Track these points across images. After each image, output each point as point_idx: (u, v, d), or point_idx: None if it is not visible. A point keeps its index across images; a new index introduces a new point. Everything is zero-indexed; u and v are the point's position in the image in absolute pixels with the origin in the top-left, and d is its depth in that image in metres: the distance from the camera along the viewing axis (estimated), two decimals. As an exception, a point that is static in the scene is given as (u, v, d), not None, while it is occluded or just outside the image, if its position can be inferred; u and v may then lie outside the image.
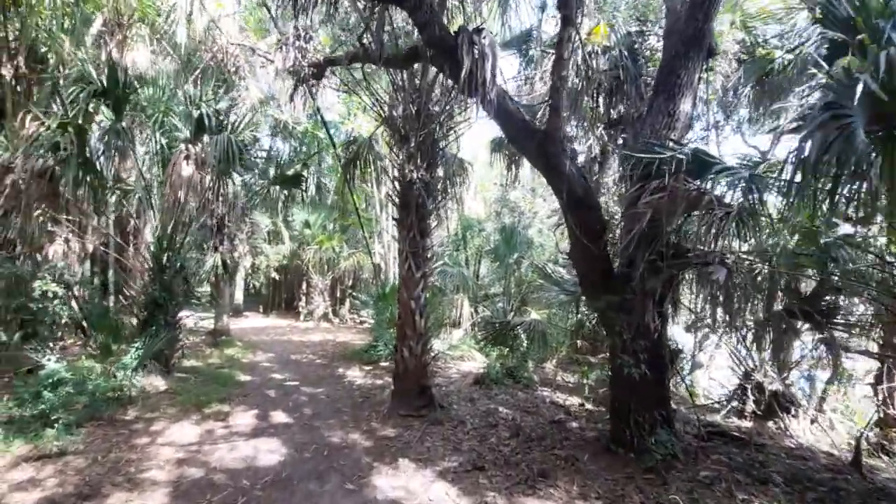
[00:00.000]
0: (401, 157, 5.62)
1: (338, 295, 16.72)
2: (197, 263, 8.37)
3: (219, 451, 4.36)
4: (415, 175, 5.43)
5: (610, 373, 4.79)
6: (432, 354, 5.95)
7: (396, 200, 5.76)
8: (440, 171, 6.12)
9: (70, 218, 7.49)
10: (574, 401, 6.16)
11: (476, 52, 3.31)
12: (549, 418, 5.33)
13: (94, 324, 7.00)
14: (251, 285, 23.32)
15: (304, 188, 7.62)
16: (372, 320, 12.24)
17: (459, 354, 8.97)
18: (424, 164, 5.58)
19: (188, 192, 5.07)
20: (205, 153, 5.11)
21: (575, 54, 4.04)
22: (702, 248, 3.59)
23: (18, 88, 8.00)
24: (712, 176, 3.37)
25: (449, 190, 6.56)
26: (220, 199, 10.01)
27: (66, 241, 7.54)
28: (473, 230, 13.29)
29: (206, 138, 5.35)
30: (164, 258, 6.91)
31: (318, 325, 14.63)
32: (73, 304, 8.09)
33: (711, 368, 8.09)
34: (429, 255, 5.75)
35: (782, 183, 3.22)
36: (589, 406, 5.87)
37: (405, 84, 5.67)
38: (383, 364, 8.48)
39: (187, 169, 5.05)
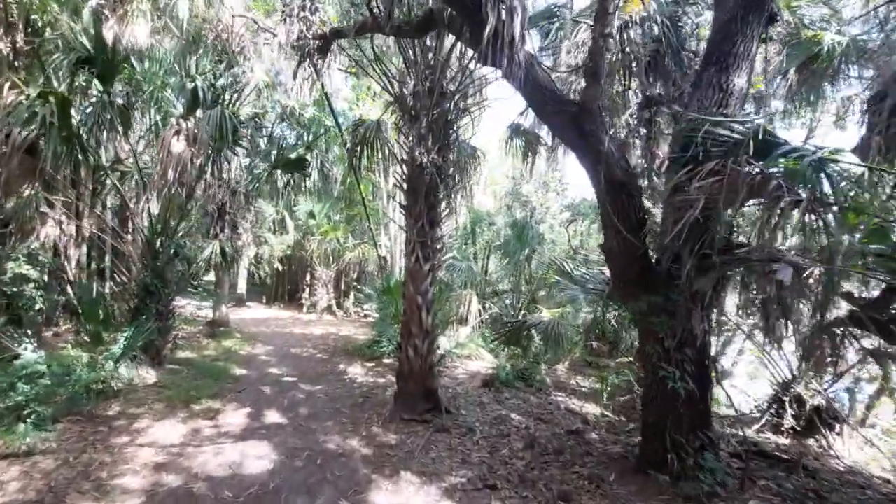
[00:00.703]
0: (411, 139, 5.15)
1: (342, 287, 16.35)
2: (196, 250, 7.98)
3: (203, 454, 3.96)
4: (425, 158, 4.97)
5: (637, 383, 4.32)
6: (439, 354, 5.50)
7: (404, 186, 5.31)
8: (452, 156, 5.65)
9: (65, 199, 7.13)
10: (592, 409, 5.70)
11: (502, 8, 2.84)
12: (566, 428, 4.87)
13: (85, 310, 6.63)
14: (256, 275, 23.05)
15: (307, 173, 7.18)
16: (376, 314, 11.85)
17: (467, 353, 8.54)
18: (436, 147, 5.12)
19: (180, 171, 4.65)
20: (197, 128, 4.67)
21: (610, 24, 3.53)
22: (750, 243, 3.12)
23: (17, 64, 7.63)
24: (773, 160, 2.89)
25: (460, 178, 6.10)
26: (220, 182, 9.64)
27: (60, 223, 7.18)
28: (483, 223, 12.80)
29: (199, 113, 4.92)
30: (158, 243, 6.54)
31: (322, 317, 14.26)
32: (69, 289, 7.78)
33: (733, 377, 7.60)
34: (438, 247, 5.30)
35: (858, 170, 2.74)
36: (609, 415, 5.41)
37: (418, 58, 5.19)
38: (387, 361, 8.07)
39: (178, 145, 4.61)
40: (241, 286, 17.21)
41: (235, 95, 5.37)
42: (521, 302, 11.16)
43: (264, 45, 9.23)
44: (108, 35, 7.06)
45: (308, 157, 6.93)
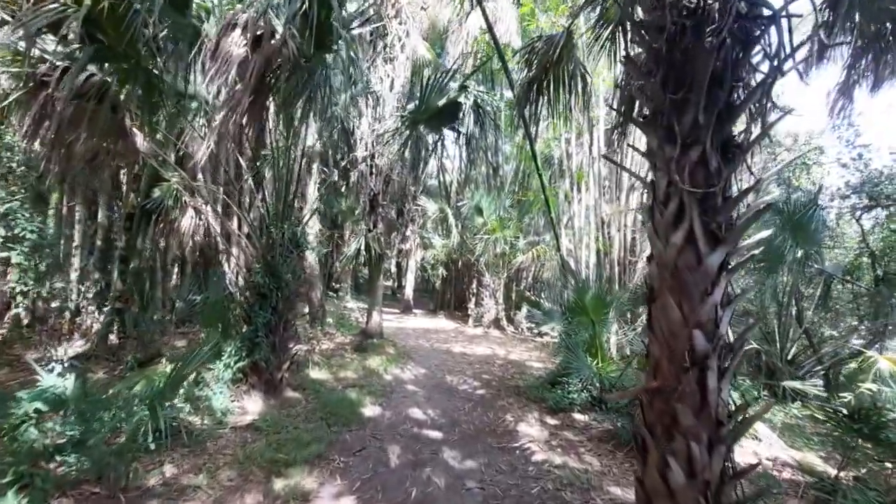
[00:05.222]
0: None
1: (513, 297, 13.87)
2: (325, 244, 6.55)
3: None
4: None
5: None
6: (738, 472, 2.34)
7: (647, 79, 2.38)
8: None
9: (200, 184, 6.32)
10: None
11: None
12: None
13: (203, 315, 5.53)
14: (428, 281, 22.43)
15: (460, 129, 4.82)
16: (556, 336, 8.94)
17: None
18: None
19: (243, 89, 2.70)
20: (263, 19, 2.65)
21: None
22: None
23: None
24: None
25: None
26: (370, 167, 8.06)
27: (197, 212, 6.41)
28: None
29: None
30: (275, 232, 5.00)
31: (488, 332, 11.98)
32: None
33: None
34: (737, 216, 2.22)
35: None
36: None
37: None
38: (578, 417, 5.14)
39: (234, 46, 2.68)
40: (408, 292, 16.28)
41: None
42: (790, 337, 7.01)
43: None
44: None
45: (461, 99, 4.55)
